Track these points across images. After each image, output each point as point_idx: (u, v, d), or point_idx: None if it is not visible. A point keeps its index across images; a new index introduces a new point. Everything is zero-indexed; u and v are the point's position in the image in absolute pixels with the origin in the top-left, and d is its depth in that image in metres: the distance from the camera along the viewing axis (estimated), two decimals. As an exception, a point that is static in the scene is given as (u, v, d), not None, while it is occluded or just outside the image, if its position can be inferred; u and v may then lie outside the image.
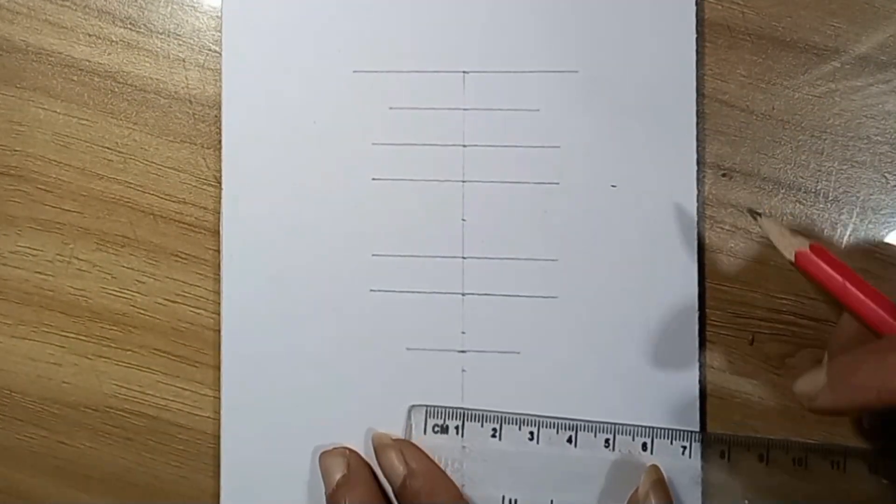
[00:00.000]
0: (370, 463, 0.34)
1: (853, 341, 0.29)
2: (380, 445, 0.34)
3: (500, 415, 0.34)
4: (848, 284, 0.29)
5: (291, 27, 0.35)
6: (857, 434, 0.33)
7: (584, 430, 0.33)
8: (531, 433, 0.34)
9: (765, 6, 0.34)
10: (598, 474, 0.33)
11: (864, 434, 0.33)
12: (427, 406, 0.34)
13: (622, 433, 0.33)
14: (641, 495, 0.32)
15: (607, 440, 0.33)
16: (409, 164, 0.35)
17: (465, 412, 0.34)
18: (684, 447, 0.33)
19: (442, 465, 0.34)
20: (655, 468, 0.33)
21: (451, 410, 0.34)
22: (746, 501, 0.33)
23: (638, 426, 0.33)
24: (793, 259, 0.30)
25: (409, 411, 0.34)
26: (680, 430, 0.33)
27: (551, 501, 0.33)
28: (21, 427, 0.37)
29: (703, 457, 0.33)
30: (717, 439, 0.33)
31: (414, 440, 0.34)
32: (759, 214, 0.31)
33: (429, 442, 0.34)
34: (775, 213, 0.34)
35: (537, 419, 0.34)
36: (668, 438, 0.33)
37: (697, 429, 0.33)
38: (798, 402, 0.28)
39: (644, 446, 0.33)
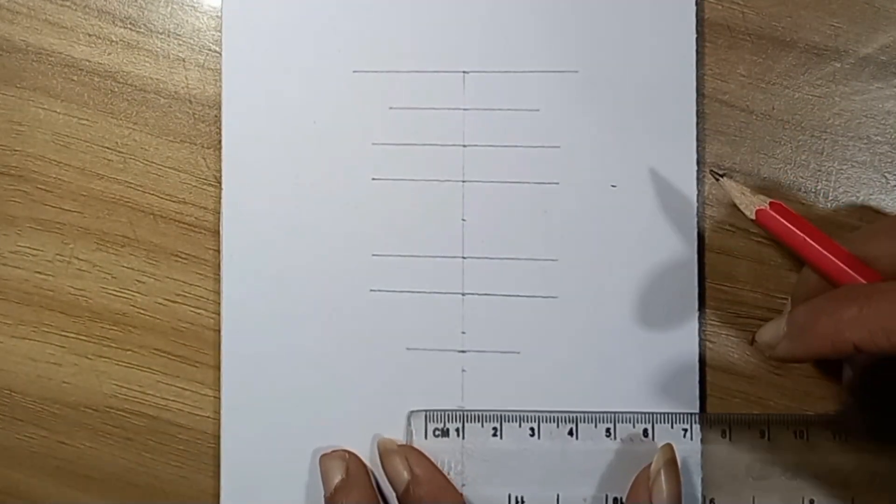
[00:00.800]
0: (369, 467, 0.34)
1: (814, 293, 0.29)
2: (385, 451, 0.34)
3: (499, 413, 0.34)
4: (807, 238, 0.29)
5: (291, 27, 0.35)
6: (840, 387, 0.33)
7: (585, 421, 0.33)
8: (532, 429, 0.34)
9: (765, 6, 0.34)
10: (601, 464, 0.33)
11: (844, 387, 0.33)
12: (426, 411, 0.34)
13: (622, 421, 0.33)
14: (653, 472, 0.32)
15: (608, 429, 0.33)
16: (409, 164, 0.35)
17: (465, 414, 0.34)
18: (685, 430, 0.33)
19: (445, 468, 0.34)
20: (669, 447, 0.33)
21: (450, 413, 0.34)
22: (751, 478, 0.33)
23: (638, 413, 0.33)
24: (753, 217, 0.30)
25: (409, 417, 0.34)
26: (680, 413, 0.33)
27: (558, 496, 0.33)
28: (21, 427, 0.37)
29: (705, 437, 0.33)
30: (717, 419, 0.33)
31: (415, 446, 0.34)
32: (721, 175, 0.31)
33: (430, 446, 0.34)
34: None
35: (537, 415, 0.34)
36: (668, 422, 0.33)
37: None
38: (759, 351, 0.30)
39: (645, 432, 0.33)
